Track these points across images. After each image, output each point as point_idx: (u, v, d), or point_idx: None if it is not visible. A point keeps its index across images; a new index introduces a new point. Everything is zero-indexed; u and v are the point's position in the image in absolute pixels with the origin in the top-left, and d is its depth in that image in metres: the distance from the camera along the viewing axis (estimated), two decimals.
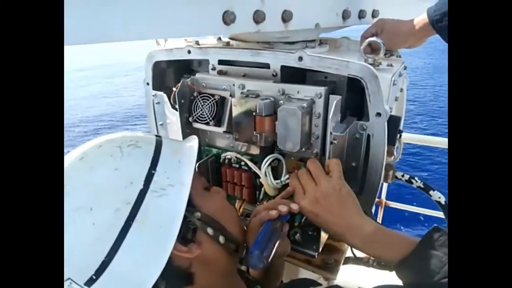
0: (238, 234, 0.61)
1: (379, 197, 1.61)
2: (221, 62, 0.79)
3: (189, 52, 0.82)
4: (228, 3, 0.59)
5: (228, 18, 0.59)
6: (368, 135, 0.67)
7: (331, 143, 0.61)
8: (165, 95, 0.88)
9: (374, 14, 1.01)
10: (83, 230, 0.45)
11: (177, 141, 0.61)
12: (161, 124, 0.92)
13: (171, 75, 0.94)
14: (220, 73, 0.79)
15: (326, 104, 0.64)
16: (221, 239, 0.56)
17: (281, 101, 0.65)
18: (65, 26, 0.37)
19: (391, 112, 0.72)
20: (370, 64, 0.67)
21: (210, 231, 0.54)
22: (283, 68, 0.72)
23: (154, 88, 0.91)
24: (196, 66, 0.93)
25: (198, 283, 0.54)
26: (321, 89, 0.63)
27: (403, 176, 0.98)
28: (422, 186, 0.95)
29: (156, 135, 0.57)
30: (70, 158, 0.51)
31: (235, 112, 0.68)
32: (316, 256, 0.73)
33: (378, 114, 0.65)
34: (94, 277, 0.45)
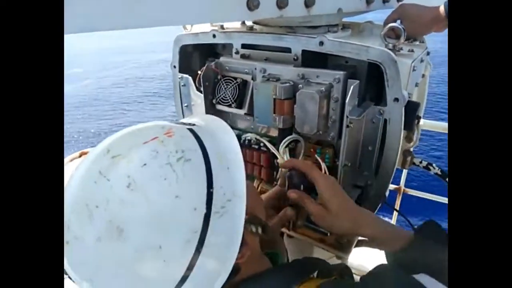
0: (264, 215, 0.63)
1: (398, 183, 1.60)
2: (244, 46, 0.82)
3: (214, 36, 0.85)
4: None
5: (252, 4, 0.61)
6: (385, 120, 0.69)
7: (347, 126, 0.63)
8: (190, 78, 0.93)
9: None
10: (151, 269, 0.42)
11: (212, 135, 0.52)
12: (186, 106, 0.98)
13: (196, 58, 0.99)
14: (243, 56, 0.82)
15: (344, 88, 0.66)
16: (260, 230, 0.56)
17: (300, 85, 0.68)
18: (94, 12, 0.40)
19: (410, 98, 0.73)
20: (390, 49, 0.67)
21: (253, 228, 0.55)
22: (304, 52, 0.74)
23: (181, 71, 0.96)
24: (221, 50, 0.96)
25: (243, 272, 0.55)
26: (340, 74, 0.65)
27: (421, 162, 0.99)
28: (439, 173, 0.95)
29: (189, 129, 0.51)
30: (105, 182, 0.42)
31: (255, 95, 0.72)
32: (329, 234, 0.77)
33: (396, 100, 0.66)
34: None
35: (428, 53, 0.89)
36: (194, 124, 0.55)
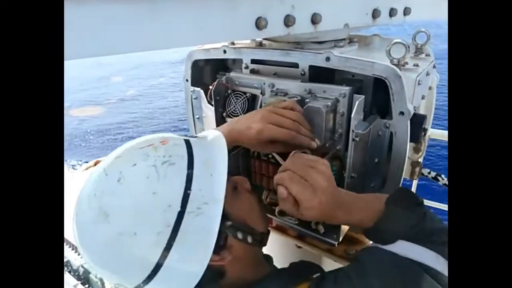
0: (263, 227, 0.65)
1: None
2: (253, 61, 0.86)
3: (224, 52, 0.89)
4: (261, 10, 0.65)
5: (260, 23, 0.64)
6: (391, 133, 0.71)
7: (353, 140, 0.65)
8: (202, 91, 0.96)
9: (406, 12, 1.02)
10: (128, 252, 0.49)
11: (206, 145, 0.59)
12: (198, 118, 1.01)
13: (208, 72, 1.02)
14: (253, 71, 0.86)
15: (350, 103, 0.68)
16: (249, 238, 0.59)
17: (307, 100, 0.70)
18: (111, 36, 0.43)
19: (416, 110, 0.74)
20: (395, 64, 0.69)
21: (239, 235, 0.57)
22: (311, 67, 0.76)
23: (193, 85, 1.00)
24: (231, 64, 1.00)
25: (230, 275, 0.59)
26: (345, 89, 0.68)
27: (429, 173, 1.00)
28: (447, 183, 0.95)
29: (185, 140, 0.57)
30: (104, 177, 0.52)
31: None
32: (336, 245, 0.78)
33: (401, 113, 0.68)
34: (141, 285, 0.51)
35: (434, 66, 0.90)
36: (196, 136, 0.61)
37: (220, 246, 0.54)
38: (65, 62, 0.38)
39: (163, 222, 0.49)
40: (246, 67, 0.86)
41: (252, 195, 0.67)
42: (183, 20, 0.55)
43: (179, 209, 0.49)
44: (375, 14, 0.92)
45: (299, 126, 0.66)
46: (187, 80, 1.00)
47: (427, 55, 0.88)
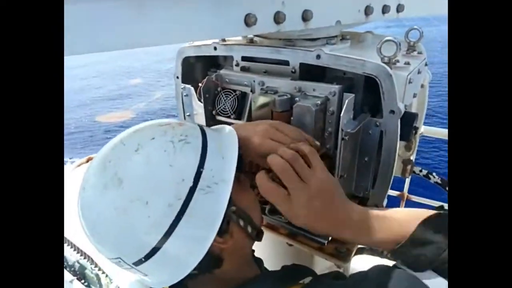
0: (259, 222, 0.66)
1: (401, 190, 1.60)
2: (244, 58, 0.84)
3: (215, 48, 0.88)
4: (250, 7, 0.63)
5: (249, 20, 0.63)
6: (381, 131, 0.70)
7: (343, 139, 0.65)
8: (192, 88, 0.95)
9: (399, 8, 1.01)
10: (138, 220, 0.49)
11: (219, 134, 0.62)
12: (189, 115, 1.00)
13: (199, 69, 1.01)
14: (243, 69, 0.85)
15: (340, 102, 0.68)
16: (249, 228, 0.60)
17: (297, 98, 0.70)
18: (100, 33, 0.43)
19: (407, 109, 0.74)
20: (385, 62, 0.69)
21: (241, 223, 0.59)
22: (302, 65, 0.76)
23: (183, 82, 0.98)
24: (222, 61, 0.99)
25: (225, 266, 0.59)
26: (335, 88, 0.67)
27: (421, 171, 1.00)
28: (439, 182, 0.96)
29: (199, 126, 0.60)
30: (121, 146, 0.53)
31: (254, 107, 0.74)
32: (325, 244, 0.78)
33: (392, 112, 0.68)
34: (143, 259, 0.51)
35: (426, 64, 0.90)
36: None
37: (223, 230, 0.55)
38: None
39: (175, 195, 0.50)
40: (237, 64, 0.85)
41: (252, 190, 0.67)
42: (171, 17, 0.54)
43: (191, 184, 0.51)
44: (368, 11, 0.91)
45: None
46: (177, 77, 0.99)
47: (419, 52, 0.88)
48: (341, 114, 0.63)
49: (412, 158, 1.03)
